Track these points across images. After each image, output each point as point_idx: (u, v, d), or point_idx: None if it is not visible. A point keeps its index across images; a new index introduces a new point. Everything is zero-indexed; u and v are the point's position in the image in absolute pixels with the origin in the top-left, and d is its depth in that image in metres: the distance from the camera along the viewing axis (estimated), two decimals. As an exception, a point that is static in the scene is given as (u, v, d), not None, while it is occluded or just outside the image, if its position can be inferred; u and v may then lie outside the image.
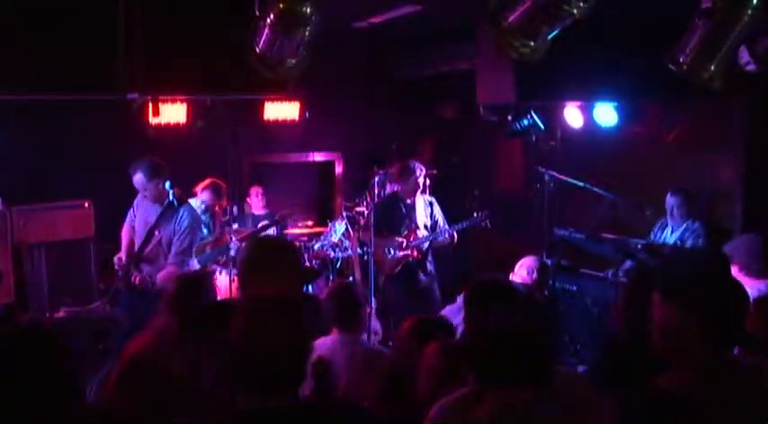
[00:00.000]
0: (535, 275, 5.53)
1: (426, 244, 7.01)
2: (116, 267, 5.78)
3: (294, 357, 2.16)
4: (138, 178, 5.66)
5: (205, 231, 6.63)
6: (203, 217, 6.68)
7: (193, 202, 6.61)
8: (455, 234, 6.98)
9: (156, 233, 5.59)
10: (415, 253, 6.89)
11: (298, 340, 2.18)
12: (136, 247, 5.78)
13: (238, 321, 2.21)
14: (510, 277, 5.49)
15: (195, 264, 6.14)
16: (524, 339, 2.33)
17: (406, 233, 6.89)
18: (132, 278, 5.56)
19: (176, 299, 3.47)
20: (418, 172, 6.89)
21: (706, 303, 2.25)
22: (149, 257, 5.64)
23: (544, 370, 2.34)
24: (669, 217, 6.35)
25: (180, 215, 5.65)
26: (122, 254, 5.83)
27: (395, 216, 6.93)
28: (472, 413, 2.25)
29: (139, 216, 5.83)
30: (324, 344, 3.75)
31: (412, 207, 6.97)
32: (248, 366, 2.14)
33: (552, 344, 2.59)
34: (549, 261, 6.15)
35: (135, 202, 5.94)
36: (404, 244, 6.88)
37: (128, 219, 6.01)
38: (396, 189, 7.20)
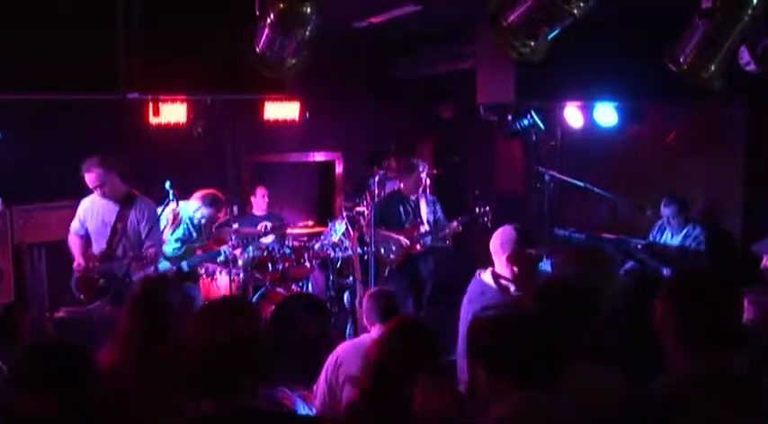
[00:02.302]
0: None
1: (429, 240, 7.07)
2: (76, 274, 5.77)
3: (241, 358, 2.12)
4: (98, 173, 5.67)
5: (194, 234, 6.60)
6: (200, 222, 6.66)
7: (191, 206, 6.56)
8: (460, 225, 7.00)
9: (119, 226, 5.72)
10: (418, 247, 6.95)
11: (246, 341, 2.16)
12: (97, 248, 5.82)
13: (194, 323, 2.21)
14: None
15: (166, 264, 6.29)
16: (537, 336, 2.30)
17: (408, 227, 6.95)
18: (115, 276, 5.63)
19: (141, 302, 3.36)
20: (421, 169, 6.97)
21: (690, 304, 2.25)
22: (116, 254, 5.75)
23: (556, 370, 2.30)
24: (666, 225, 6.36)
25: (138, 206, 5.81)
26: (80, 259, 5.81)
27: (397, 213, 7.00)
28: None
29: (93, 219, 5.85)
30: (368, 338, 3.80)
31: (416, 204, 7.06)
32: (202, 367, 2.11)
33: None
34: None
35: (82, 210, 5.93)
36: (406, 243, 6.92)
37: (74, 229, 5.96)
38: (398, 186, 7.23)
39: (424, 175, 7.03)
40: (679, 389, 2.20)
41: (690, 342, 2.24)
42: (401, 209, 7.03)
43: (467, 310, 3.80)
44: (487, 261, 9.24)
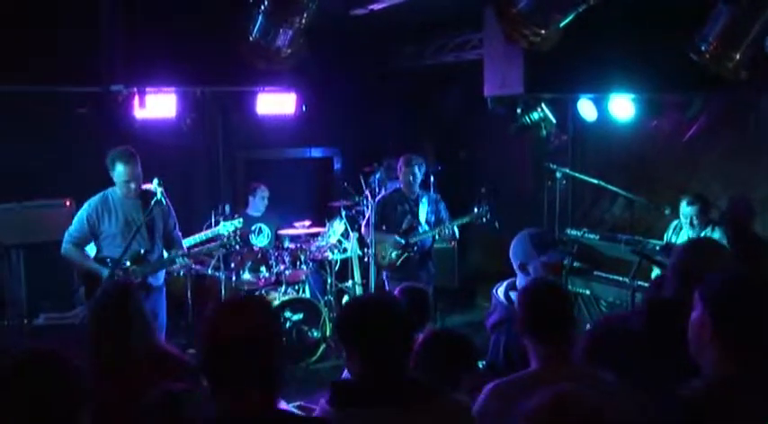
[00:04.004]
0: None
1: (429, 241, 7.01)
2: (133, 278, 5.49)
3: (267, 353, 2.16)
4: (134, 166, 5.48)
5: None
6: None
7: None
8: (455, 231, 6.95)
9: (149, 225, 5.60)
10: (414, 250, 6.87)
11: (270, 335, 2.21)
12: (121, 251, 5.49)
13: (210, 319, 2.22)
14: None
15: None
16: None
17: (405, 229, 6.88)
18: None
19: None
20: (413, 165, 6.87)
21: (726, 308, 2.23)
22: (154, 255, 5.69)
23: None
24: (688, 227, 6.25)
25: (166, 203, 5.68)
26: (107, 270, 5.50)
27: (394, 213, 6.94)
28: None
29: (113, 220, 5.61)
30: None
31: (416, 204, 6.98)
32: (219, 365, 2.14)
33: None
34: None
35: (93, 213, 5.59)
36: (399, 245, 6.85)
37: (80, 238, 5.60)
38: (399, 185, 7.18)
39: (417, 171, 6.93)
40: (711, 393, 2.19)
41: (726, 345, 2.22)
42: (398, 209, 6.96)
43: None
44: (493, 264, 9.21)
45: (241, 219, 7.00)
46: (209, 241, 6.67)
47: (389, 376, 2.44)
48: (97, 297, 3.53)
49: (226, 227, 6.79)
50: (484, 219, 6.89)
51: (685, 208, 6.18)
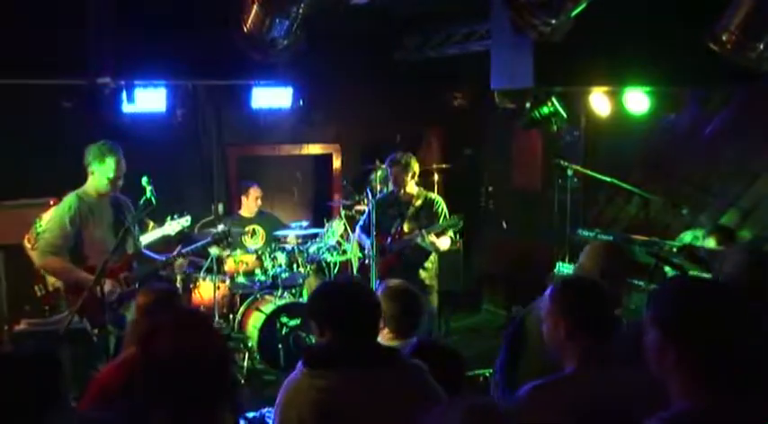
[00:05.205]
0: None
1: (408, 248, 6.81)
2: (113, 296, 5.32)
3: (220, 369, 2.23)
4: (123, 162, 5.36)
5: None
6: None
7: None
8: (435, 242, 6.66)
9: (128, 228, 5.47)
10: (393, 260, 6.67)
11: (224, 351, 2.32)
12: (103, 258, 5.07)
13: (165, 336, 2.23)
14: None
15: None
16: None
17: (392, 234, 6.73)
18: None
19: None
20: (394, 164, 6.70)
21: (690, 328, 2.04)
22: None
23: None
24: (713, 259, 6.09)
25: (126, 203, 5.58)
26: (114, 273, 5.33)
27: (386, 217, 6.74)
28: None
29: (96, 223, 5.43)
30: None
31: (407, 206, 6.78)
32: (176, 383, 2.15)
33: None
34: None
35: (76, 215, 5.32)
36: (382, 251, 6.68)
37: (62, 245, 5.31)
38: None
39: (403, 171, 6.71)
40: None
41: (695, 374, 2.03)
42: (388, 213, 6.77)
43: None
44: (501, 266, 9.13)
45: (189, 217, 6.68)
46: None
47: (356, 344, 2.80)
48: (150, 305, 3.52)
49: (172, 227, 6.53)
50: (459, 226, 6.74)
51: (716, 245, 6.01)
